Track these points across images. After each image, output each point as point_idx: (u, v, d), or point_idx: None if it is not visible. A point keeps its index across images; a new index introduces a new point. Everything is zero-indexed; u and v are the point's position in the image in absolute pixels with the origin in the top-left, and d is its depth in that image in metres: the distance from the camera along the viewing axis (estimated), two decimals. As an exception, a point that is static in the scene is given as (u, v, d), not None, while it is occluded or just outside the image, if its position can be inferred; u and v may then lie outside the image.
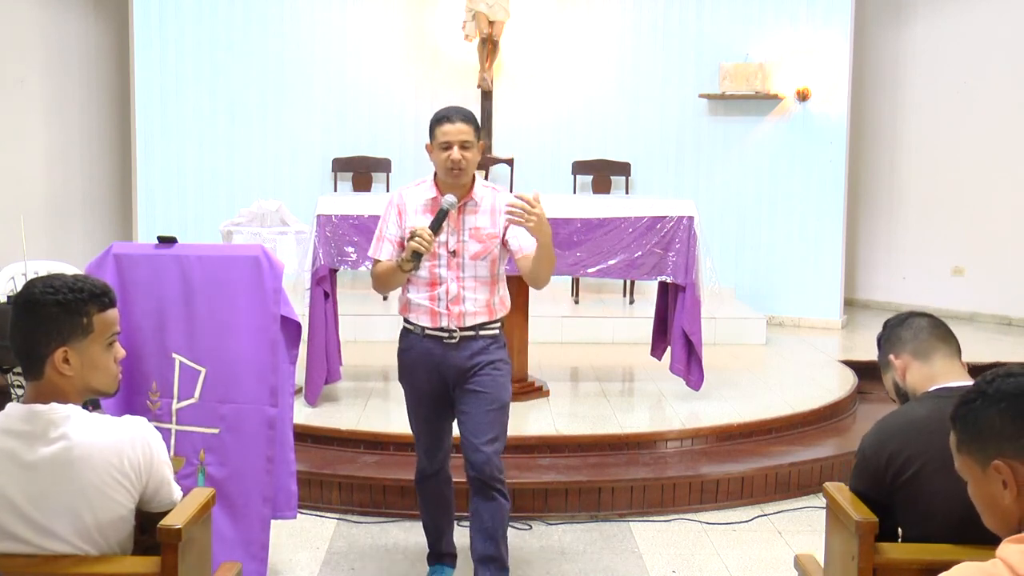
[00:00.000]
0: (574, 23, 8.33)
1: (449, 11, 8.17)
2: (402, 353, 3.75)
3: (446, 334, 3.61)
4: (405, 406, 3.83)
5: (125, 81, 8.40)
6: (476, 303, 3.61)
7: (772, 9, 8.13)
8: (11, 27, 7.51)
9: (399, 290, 3.74)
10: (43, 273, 2.47)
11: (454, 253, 3.59)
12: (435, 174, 3.67)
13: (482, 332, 3.64)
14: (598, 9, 8.33)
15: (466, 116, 3.61)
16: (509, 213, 3.42)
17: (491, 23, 7.81)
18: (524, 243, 3.59)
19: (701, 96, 8.23)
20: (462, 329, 3.61)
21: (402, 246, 3.58)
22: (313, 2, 8.28)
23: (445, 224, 3.55)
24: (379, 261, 3.67)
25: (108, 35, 8.67)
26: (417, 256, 3.46)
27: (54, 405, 2.23)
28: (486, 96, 8.00)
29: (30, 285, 2.28)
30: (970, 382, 2.42)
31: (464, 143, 3.55)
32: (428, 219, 3.55)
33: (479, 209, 3.62)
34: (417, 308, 3.64)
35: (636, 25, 8.32)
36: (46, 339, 2.23)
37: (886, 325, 2.73)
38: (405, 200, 3.68)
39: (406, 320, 3.72)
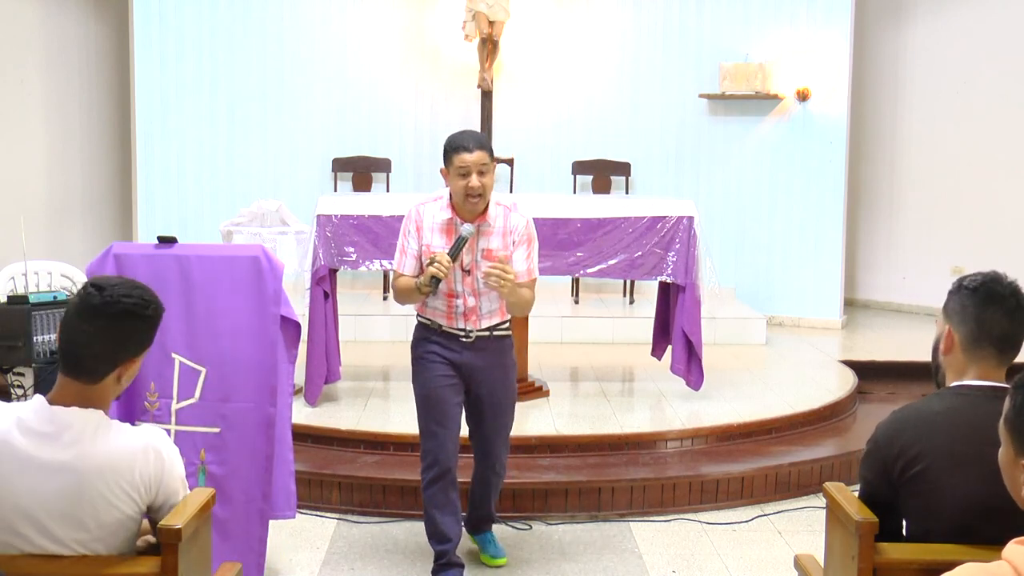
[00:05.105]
0: (574, 23, 8.33)
1: (449, 11, 8.17)
2: (418, 343, 3.88)
3: (462, 333, 3.80)
4: (413, 404, 3.90)
5: (125, 81, 8.40)
6: (490, 309, 3.82)
7: (772, 9, 8.13)
8: (11, 27, 7.50)
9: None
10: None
11: (468, 272, 3.75)
12: (451, 194, 3.75)
13: (495, 332, 3.87)
14: (598, 9, 8.33)
15: (481, 142, 3.72)
16: (486, 277, 3.63)
17: (491, 23, 7.80)
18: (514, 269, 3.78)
19: (701, 96, 8.23)
20: (478, 330, 3.81)
21: (422, 265, 3.75)
22: (313, 2, 8.28)
23: None
24: (402, 275, 3.81)
25: (108, 35, 8.66)
26: (436, 281, 3.63)
27: (75, 409, 2.20)
28: (486, 96, 8.00)
29: (110, 291, 2.21)
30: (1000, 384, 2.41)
31: (482, 170, 3.65)
32: (443, 239, 3.72)
33: (492, 231, 3.77)
34: (434, 311, 3.82)
35: (636, 25, 8.32)
36: (133, 349, 2.25)
37: (962, 286, 2.60)
38: (422, 216, 3.80)
39: (422, 316, 3.87)
